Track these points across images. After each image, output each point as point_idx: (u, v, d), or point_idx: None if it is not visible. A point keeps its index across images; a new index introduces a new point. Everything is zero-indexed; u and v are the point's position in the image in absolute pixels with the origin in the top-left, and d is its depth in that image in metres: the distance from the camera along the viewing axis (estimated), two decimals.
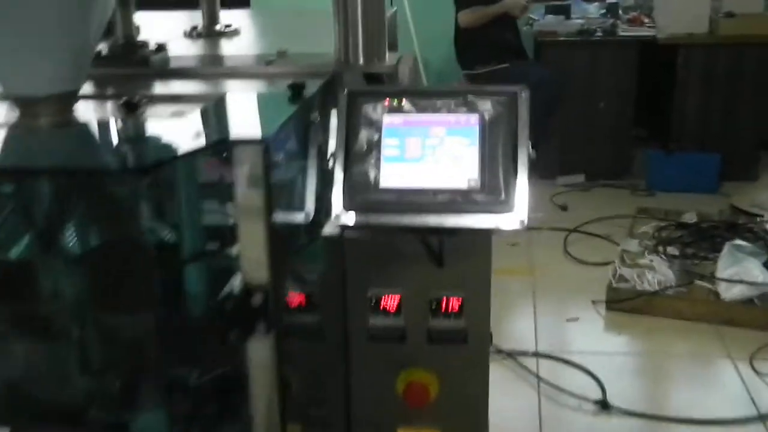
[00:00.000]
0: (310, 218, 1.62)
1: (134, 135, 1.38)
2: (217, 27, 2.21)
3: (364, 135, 1.62)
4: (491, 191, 1.58)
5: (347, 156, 1.62)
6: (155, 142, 1.34)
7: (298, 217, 1.60)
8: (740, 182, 5.15)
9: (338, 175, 1.61)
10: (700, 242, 4.22)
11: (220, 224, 1.40)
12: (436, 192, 1.59)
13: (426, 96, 1.63)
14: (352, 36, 1.75)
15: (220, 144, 1.26)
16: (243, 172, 1.26)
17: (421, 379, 1.83)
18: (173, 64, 1.85)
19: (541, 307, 4.13)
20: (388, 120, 1.63)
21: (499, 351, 3.56)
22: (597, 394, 3.47)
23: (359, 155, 1.61)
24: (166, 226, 1.37)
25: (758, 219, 4.39)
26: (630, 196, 5.25)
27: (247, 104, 1.59)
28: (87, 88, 1.66)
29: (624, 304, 3.93)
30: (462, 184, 1.59)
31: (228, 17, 2.40)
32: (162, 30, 2.28)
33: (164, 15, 2.63)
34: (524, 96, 1.61)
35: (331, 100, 1.68)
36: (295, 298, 1.79)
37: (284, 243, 1.62)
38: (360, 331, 1.80)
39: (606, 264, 4.29)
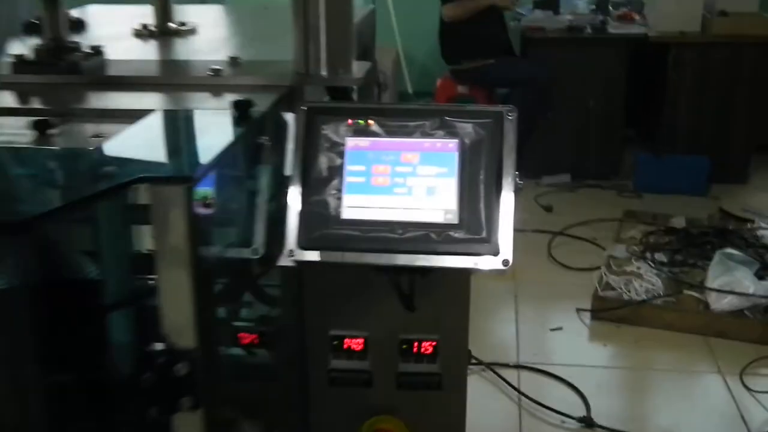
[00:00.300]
0: (260, 253, 1.37)
1: (25, 170, 1.10)
2: (172, 25, 1.93)
3: (324, 159, 1.37)
4: (471, 227, 1.33)
5: (304, 183, 1.36)
6: (50, 180, 1.08)
7: (245, 253, 1.35)
8: (730, 185, 4.91)
9: (293, 205, 1.36)
10: (689, 249, 3.98)
11: (131, 277, 1.14)
12: (406, 226, 1.34)
13: (397, 116, 1.38)
14: (313, 43, 1.48)
15: (131, 183, 1.00)
16: (161, 216, 1.01)
17: (389, 427, 1.60)
18: (110, 71, 1.58)
19: (523, 315, 3.89)
20: (353, 143, 1.37)
21: (478, 362, 3.32)
22: (581, 410, 3.23)
23: (318, 182, 1.36)
24: (56, 277, 1.10)
25: (749, 225, 4.15)
26: (617, 197, 5.00)
27: (181, 125, 1.33)
28: (4, 99, 1.40)
29: (610, 313, 3.69)
30: (437, 218, 1.34)
31: (195, 13, 2.13)
32: (114, 27, 2.01)
33: (123, 8, 2.36)
34: (511, 118, 1.36)
35: (287, 118, 1.43)
36: (246, 336, 1.55)
37: (225, 286, 1.37)
38: (320, 374, 1.57)
39: (592, 270, 4.05)
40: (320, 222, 1.34)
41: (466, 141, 1.35)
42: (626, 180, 5.14)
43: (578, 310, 3.81)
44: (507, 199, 1.33)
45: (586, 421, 3.09)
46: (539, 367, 3.44)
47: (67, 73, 1.51)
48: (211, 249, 1.17)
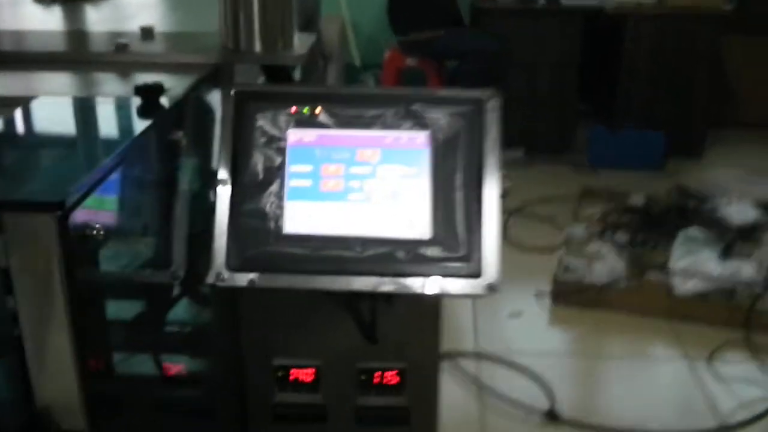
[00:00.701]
0: (180, 275, 1.05)
1: None
2: None
3: (259, 158, 1.05)
4: (447, 243, 1.03)
5: (235, 189, 1.05)
6: None
7: (160, 276, 1.03)
8: (686, 160, 4.67)
9: (221, 217, 1.03)
10: (650, 228, 3.73)
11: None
12: (366, 243, 1.03)
13: (351, 102, 1.06)
14: (245, 11, 1.15)
15: None
16: (25, 253, 0.68)
17: None
18: None
19: (480, 300, 3.60)
20: (296, 137, 1.06)
21: None
22: (544, 402, 2.96)
23: (253, 187, 1.04)
24: None
25: (709, 204, 3.91)
26: (572, 173, 4.74)
27: (63, 120, 0.99)
28: None
29: (571, 297, 3.42)
30: (404, 232, 1.03)
31: None
32: None
33: None
34: (492, 105, 1.05)
35: (213, 105, 1.10)
36: (171, 367, 1.24)
37: (136, 316, 1.05)
38: (262, 410, 1.26)
39: (550, 250, 3.77)
40: (256, 237, 1.03)
41: (439, 134, 1.04)
42: (581, 155, 4.87)
43: (537, 294, 3.55)
44: (491, 207, 1.02)
45: (551, 414, 2.84)
46: (499, 357, 3.17)
47: None
48: (105, 276, 0.85)
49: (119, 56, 1.17)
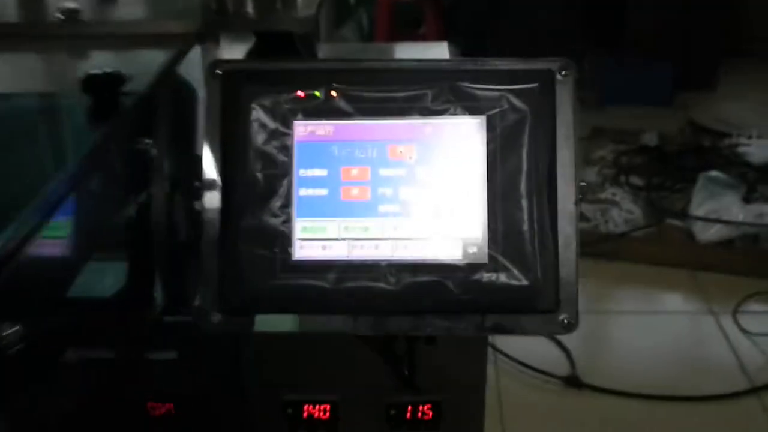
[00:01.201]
0: (157, 308, 0.79)
1: None
2: None
3: (257, 160, 0.78)
4: (509, 267, 0.76)
5: (226, 203, 0.77)
6: None
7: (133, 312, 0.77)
8: (698, 93, 4.38)
9: (208, 240, 0.77)
10: (666, 170, 3.48)
11: None
12: (402, 270, 0.77)
13: (379, 80, 0.79)
14: None
15: None
16: None
17: None
18: None
19: None
20: (305, 130, 0.78)
21: None
22: (564, 367, 2.75)
23: (249, 201, 0.78)
24: None
25: (726, 140, 3.65)
26: (579, 110, 4.44)
27: None
28: None
29: (587, 248, 3.17)
30: (453, 253, 0.77)
31: None
32: None
33: None
34: (566, 78, 0.78)
35: (192, 92, 0.82)
36: (158, 407, 1.00)
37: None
38: None
39: None
40: (256, 267, 0.76)
41: (497, 121, 0.77)
42: (587, 90, 4.58)
43: None
44: (567, 217, 0.76)
45: (572, 380, 2.63)
46: None
47: None
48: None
49: (66, 29, 0.87)
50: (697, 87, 4.35)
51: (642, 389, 2.60)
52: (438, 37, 3.56)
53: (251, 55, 0.93)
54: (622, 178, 3.46)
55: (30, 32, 0.89)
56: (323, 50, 1.10)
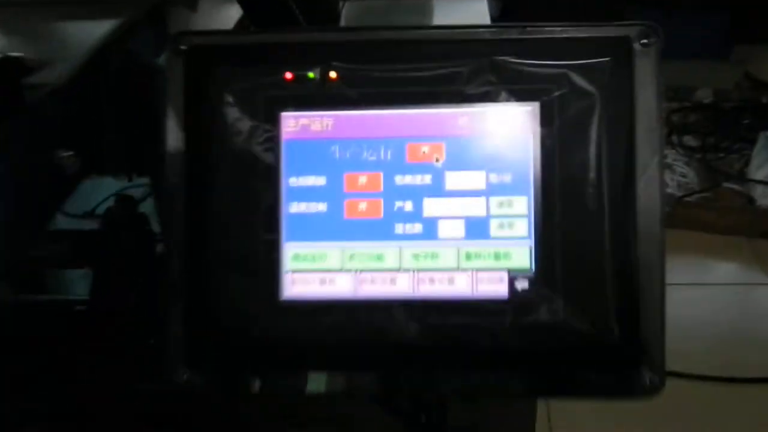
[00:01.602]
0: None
1: None
2: None
3: (231, 165, 0.58)
4: (570, 307, 0.56)
5: (192, 224, 0.58)
6: None
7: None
8: (757, 45, 4.06)
9: (171, 274, 0.57)
10: (722, 129, 3.21)
11: None
12: (425, 311, 0.57)
13: (395, 55, 0.58)
14: None
15: None
16: None
17: None
18: None
19: None
20: (296, 123, 0.58)
21: None
22: None
23: (223, 219, 0.58)
24: None
25: None
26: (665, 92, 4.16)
27: None
28: None
29: None
30: (494, 289, 0.56)
31: None
32: None
33: None
34: (648, 47, 0.56)
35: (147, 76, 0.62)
36: None
37: None
38: None
39: None
40: (235, 308, 0.57)
41: (555, 109, 0.56)
42: None
43: None
44: (649, 238, 0.55)
45: None
46: None
47: None
48: None
49: None
50: (754, 38, 4.03)
51: (695, 369, 2.39)
52: None
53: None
54: (675, 139, 3.20)
55: None
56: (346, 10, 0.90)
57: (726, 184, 2.97)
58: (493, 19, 0.87)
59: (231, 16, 0.77)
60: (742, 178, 2.95)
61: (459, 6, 1.19)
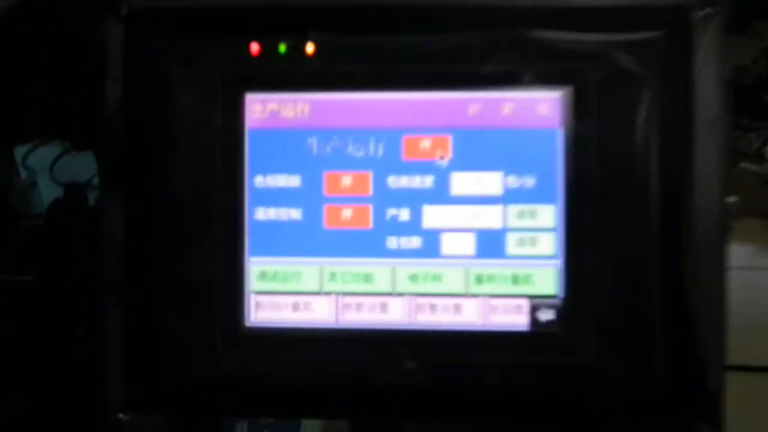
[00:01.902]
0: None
1: None
2: None
3: (181, 159, 0.46)
4: (607, 344, 0.44)
5: (132, 233, 0.46)
6: None
7: None
8: None
9: (107, 296, 0.46)
10: (738, 105, 3.07)
11: None
12: (424, 346, 0.45)
13: (387, 22, 0.46)
14: None
15: None
16: None
17: None
18: None
19: None
20: (263, 108, 0.46)
21: None
22: None
23: (168, 227, 0.46)
24: None
25: None
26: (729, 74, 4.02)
27: None
28: None
29: None
30: (512, 319, 0.45)
31: None
32: None
33: None
34: (711, 21, 0.44)
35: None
36: None
37: None
38: None
39: None
40: (186, 340, 0.45)
41: (591, 96, 0.44)
42: None
43: None
44: (708, 258, 0.43)
45: None
46: None
47: None
48: None
49: None
50: None
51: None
52: None
53: None
54: None
55: None
56: None
57: (743, 164, 2.84)
58: None
59: None
60: (760, 157, 2.82)
61: None
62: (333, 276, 0.46)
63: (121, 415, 0.46)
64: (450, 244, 0.45)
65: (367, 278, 0.45)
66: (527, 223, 0.45)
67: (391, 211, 0.45)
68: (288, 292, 0.46)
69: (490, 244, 0.45)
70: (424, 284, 0.45)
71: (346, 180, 0.45)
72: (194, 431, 0.48)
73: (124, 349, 0.46)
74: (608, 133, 0.44)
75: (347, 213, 0.45)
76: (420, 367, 0.45)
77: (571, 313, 0.44)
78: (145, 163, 0.46)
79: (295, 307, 0.46)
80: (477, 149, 0.45)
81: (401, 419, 0.46)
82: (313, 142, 0.46)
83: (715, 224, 0.44)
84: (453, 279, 0.45)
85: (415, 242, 0.45)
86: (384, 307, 0.45)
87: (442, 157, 0.45)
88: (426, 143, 0.45)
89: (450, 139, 0.45)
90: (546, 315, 0.45)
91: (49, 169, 0.67)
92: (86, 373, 0.53)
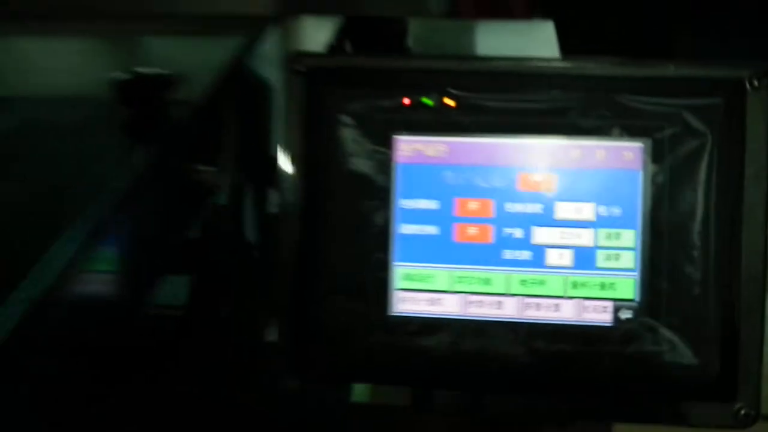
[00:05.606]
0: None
1: None
2: None
3: (345, 185, 0.62)
4: (673, 339, 0.60)
5: (305, 239, 0.62)
6: None
7: None
8: None
9: (281, 287, 0.62)
10: None
11: None
12: (531, 335, 0.61)
13: (508, 86, 0.61)
14: None
15: None
16: None
17: None
18: None
19: None
20: (410, 148, 0.62)
21: None
22: None
23: (335, 236, 0.62)
24: None
25: None
26: None
27: None
28: None
29: None
30: (599, 317, 0.60)
31: None
32: None
33: None
34: (763, 92, 0.60)
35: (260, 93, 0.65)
36: None
37: None
38: None
39: None
40: (345, 324, 0.61)
41: (666, 147, 0.59)
42: None
43: None
44: (751, 278, 0.59)
45: None
46: None
47: None
48: None
49: (111, 6, 0.70)
50: None
51: None
52: (528, 7, 3.27)
53: (333, 48, 0.76)
54: None
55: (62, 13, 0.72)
56: None
57: None
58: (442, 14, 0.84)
59: (321, 37, 0.80)
60: None
61: (525, 30, 1.20)
62: (460, 279, 0.61)
63: (290, 380, 0.61)
64: (553, 257, 0.60)
65: (487, 282, 0.61)
66: (613, 243, 0.60)
67: (507, 230, 0.61)
68: (425, 290, 0.61)
69: (584, 258, 0.60)
70: (531, 288, 0.61)
71: (473, 205, 0.61)
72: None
73: (297, 327, 0.61)
74: (677, 175, 0.59)
75: (473, 230, 0.61)
76: (527, 352, 0.60)
77: (645, 313, 0.60)
78: (317, 186, 0.61)
79: (430, 301, 0.61)
80: (576, 185, 0.60)
81: (510, 393, 0.61)
82: (448, 174, 0.61)
83: (759, 253, 0.59)
84: (554, 284, 0.60)
85: (525, 255, 0.61)
86: (499, 305, 0.61)
87: (548, 190, 0.61)
88: (536, 178, 0.61)
89: (555, 177, 0.61)
90: (625, 314, 0.60)
91: None
92: (246, 350, 0.68)
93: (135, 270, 0.54)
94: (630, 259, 0.60)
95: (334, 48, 0.73)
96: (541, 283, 0.60)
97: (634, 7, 0.86)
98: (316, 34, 0.74)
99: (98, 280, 0.52)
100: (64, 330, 0.45)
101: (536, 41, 0.91)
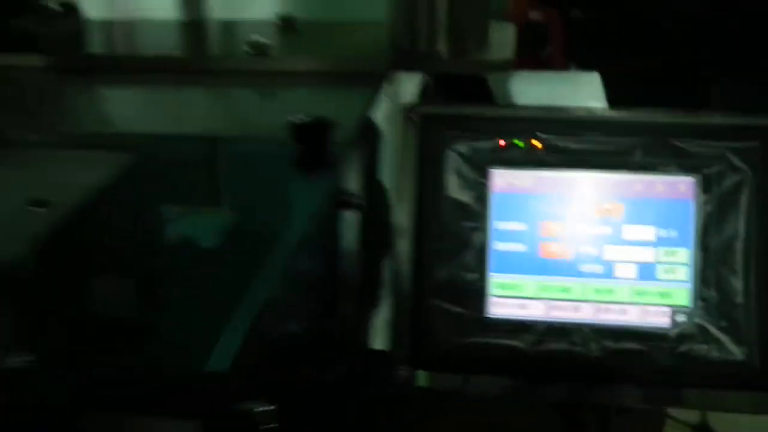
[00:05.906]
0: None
1: None
2: None
3: (450, 209, 0.76)
4: (721, 339, 0.73)
5: (417, 253, 0.76)
6: None
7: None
8: None
9: (399, 291, 0.76)
10: None
11: None
12: (603, 335, 0.74)
13: (585, 131, 0.76)
14: None
15: None
16: None
17: None
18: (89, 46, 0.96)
19: None
20: (504, 180, 0.76)
21: None
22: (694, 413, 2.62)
23: (441, 250, 0.76)
24: None
25: None
26: None
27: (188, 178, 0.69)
28: None
29: None
30: (659, 320, 0.74)
31: None
32: None
33: None
34: None
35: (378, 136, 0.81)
36: None
37: None
38: None
39: None
40: (450, 323, 0.75)
41: (714, 181, 0.73)
42: None
43: None
44: None
45: (702, 429, 2.52)
46: None
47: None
48: None
49: (256, 64, 0.87)
50: None
51: None
52: (564, 58, 3.46)
53: (427, 96, 0.92)
54: None
55: (221, 66, 0.89)
56: None
57: None
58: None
59: (411, 88, 0.96)
60: None
61: (575, 79, 1.36)
62: (545, 288, 0.75)
63: (403, 369, 0.75)
64: (621, 270, 0.74)
65: (567, 290, 0.74)
66: (670, 259, 0.73)
67: (583, 248, 0.74)
68: (515, 296, 0.75)
69: (647, 271, 0.74)
70: (603, 295, 0.74)
71: (555, 227, 0.75)
72: None
73: (411, 324, 0.75)
74: (723, 204, 0.73)
75: (555, 248, 0.75)
76: (599, 347, 0.74)
77: (697, 317, 0.73)
78: (428, 210, 0.76)
79: (519, 306, 0.75)
80: (639, 211, 0.74)
81: (586, 381, 0.74)
82: (535, 202, 0.75)
83: None
84: (622, 293, 0.74)
85: (598, 268, 0.74)
86: (577, 309, 0.74)
87: (617, 215, 0.75)
88: (607, 206, 0.75)
89: (622, 205, 0.75)
90: (681, 318, 0.73)
91: None
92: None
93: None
94: (684, 273, 0.73)
95: (428, 98, 0.89)
96: (611, 291, 0.74)
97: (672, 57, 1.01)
98: (409, 87, 0.90)
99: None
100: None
101: (582, 89, 1.06)
